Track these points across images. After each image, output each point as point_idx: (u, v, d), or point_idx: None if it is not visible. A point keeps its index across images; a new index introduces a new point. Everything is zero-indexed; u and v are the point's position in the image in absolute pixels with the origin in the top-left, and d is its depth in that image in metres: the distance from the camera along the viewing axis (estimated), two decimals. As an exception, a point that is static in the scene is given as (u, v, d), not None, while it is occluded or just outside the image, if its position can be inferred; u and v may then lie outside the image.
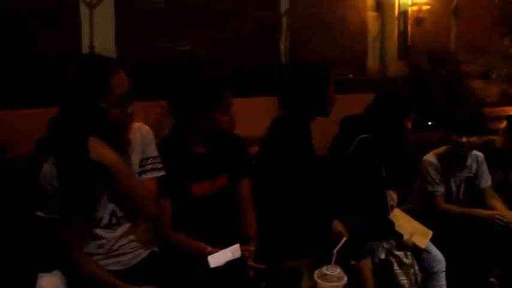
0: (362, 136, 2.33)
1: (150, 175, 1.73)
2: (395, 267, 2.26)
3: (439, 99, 4.74)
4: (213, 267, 1.64)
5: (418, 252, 2.34)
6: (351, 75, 4.29)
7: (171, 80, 2.06)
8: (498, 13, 6.21)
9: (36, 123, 1.58)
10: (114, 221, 1.66)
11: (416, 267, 2.31)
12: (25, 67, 2.50)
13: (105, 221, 1.64)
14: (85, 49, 2.74)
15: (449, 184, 2.96)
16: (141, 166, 1.72)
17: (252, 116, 2.75)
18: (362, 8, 4.46)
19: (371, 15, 4.58)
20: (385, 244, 2.26)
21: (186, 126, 1.90)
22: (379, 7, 4.64)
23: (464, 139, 2.78)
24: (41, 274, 1.61)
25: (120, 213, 1.67)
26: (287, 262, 1.73)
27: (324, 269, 1.49)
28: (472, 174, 2.98)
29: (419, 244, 2.33)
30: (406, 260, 2.28)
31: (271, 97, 2.49)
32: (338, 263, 1.52)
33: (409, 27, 4.81)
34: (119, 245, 1.68)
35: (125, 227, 1.69)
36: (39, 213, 1.55)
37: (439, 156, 2.95)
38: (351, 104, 2.63)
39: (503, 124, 3.50)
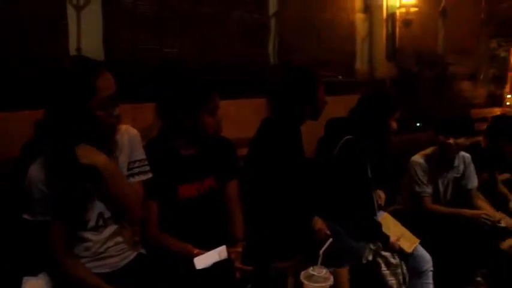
0: (346, 137, 2.34)
1: (138, 178, 1.73)
2: (383, 267, 2.27)
3: (427, 101, 4.78)
4: (199, 269, 1.64)
5: (404, 255, 2.35)
6: (339, 77, 4.30)
7: (159, 82, 2.06)
8: (485, 15, 6.27)
9: (25, 125, 1.57)
10: (101, 223, 1.65)
11: (404, 267, 2.32)
12: (12, 69, 2.49)
13: (92, 223, 1.63)
14: (72, 51, 2.72)
15: (436, 185, 2.98)
16: (129, 169, 1.72)
17: (240, 117, 2.76)
18: (350, 10, 4.48)
19: (359, 17, 4.60)
20: (372, 245, 2.27)
21: (173, 128, 1.90)
22: (368, 9, 4.66)
23: (451, 140, 2.80)
24: (26, 278, 1.60)
25: (107, 215, 1.66)
26: (274, 264, 1.73)
27: (310, 270, 1.50)
28: (459, 175, 3.00)
29: (406, 248, 2.35)
30: (393, 260, 2.29)
31: (259, 99, 2.50)
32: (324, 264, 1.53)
33: (397, 29, 4.84)
34: (105, 247, 1.68)
35: (112, 228, 1.68)
36: (25, 216, 1.54)
37: (427, 157, 2.97)
38: (339, 106, 2.64)
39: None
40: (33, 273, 1.61)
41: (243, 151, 2.40)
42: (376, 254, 2.27)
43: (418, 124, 4.61)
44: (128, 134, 1.73)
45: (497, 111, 5.75)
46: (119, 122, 1.60)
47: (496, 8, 6.37)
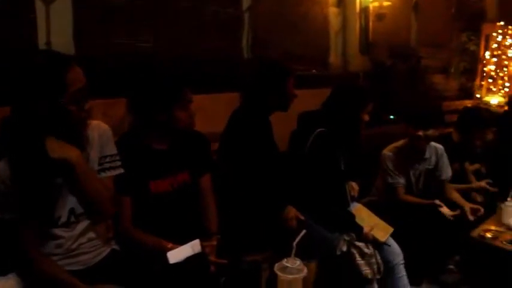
0: (319, 130, 2.36)
1: (109, 173, 1.72)
2: (358, 258, 2.29)
3: (400, 94, 4.84)
4: (173, 263, 1.63)
5: (377, 245, 2.38)
6: (313, 71, 4.32)
7: (132, 77, 2.04)
8: (456, 10, 6.38)
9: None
10: (73, 219, 1.63)
11: (378, 257, 2.35)
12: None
13: (64, 219, 1.61)
14: (42, 46, 2.67)
15: (408, 176, 3.04)
16: (100, 164, 1.71)
17: (214, 112, 2.74)
18: (324, 3, 4.50)
19: (333, 11, 4.62)
20: (345, 236, 2.29)
21: (146, 123, 1.89)
22: (341, 3, 4.68)
23: (420, 133, 2.85)
24: (-5, 278, 1.58)
25: (79, 211, 1.64)
26: (247, 256, 1.74)
27: (284, 262, 1.51)
28: (431, 167, 3.06)
29: (379, 238, 2.38)
30: (367, 250, 2.31)
31: (234, 93, 2.50)
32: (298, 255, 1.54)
33: (371, 23, 4.87)
34: (78, 244, 1.66)
35: (84, 224, 1.66)
36: (-7, 215, 1.51)
37: (398, 150, 3.02)
38: (313, 99, 2.65)
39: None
40: (2, 273, 1.58)
41: (217, 145, 2.40)
42: (350, 244, 2.29)
43: (391, 117, 4.66)
44: (99, 129, 1.71)
45: (468, 103, 5.86)
46: (89, 116, 1.59)
47: (465, 2, 6.49)
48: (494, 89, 6.53)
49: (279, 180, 2.32)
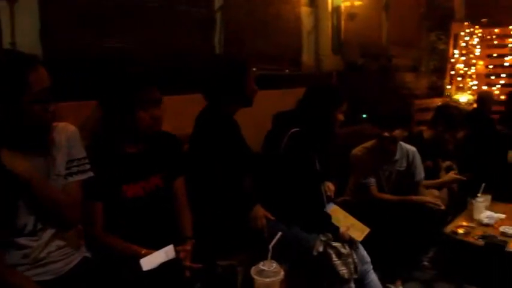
0: (293, 130, 2.34)
1: (76, 178, 1.67)
2: (334, 258, 2.29)
3: (372, 93, 4.89)
4: (147, 270, 1.59)
5: (353, 247, 2.39)
6: (286, 71, 4.32)
7: (99, 78, 1.99)
8: (425, 9, 6.50)
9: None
10: (39, 226, 1.57)
11: (355, 256, 2.35)
12: None
13: (30, 227, 1.55)
14: (6, 46, 2.57)
15: (378, 177, 3.04)
16: (67, 168, 1.65)
17: (187, 113, 2.70)
18: (296, 3, 4.50)
19: (305, 10, 4.62)
20: (322, 237, 2.28)
21: (114, 125, 1.84)
22: (313, 2, 4.69)
23: (386, 133, 2.85)
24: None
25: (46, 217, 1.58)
26: (223, 260, 1.71)
27: (261, 265, 1.49)
28: (402, 168, 3.07)
29: (356, 237, 2.39)
30: (343, 250, 2.31)
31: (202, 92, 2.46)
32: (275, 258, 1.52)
33: (343, 23, 4.91)
34: (46, 252, 1.59)
35: (52, 231, 1.60)
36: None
37: (367, 150, 3.03)
38: (286, 99, 2.64)
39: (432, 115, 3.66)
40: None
41: (187, 147, 2.37)
42: (327, 245, 2.28)
43: (364, 116, 4.70)
44: (66, 131, 1.66)
45: (438, 101, 5.98)
46: (54, 118, 1.55)
47: (434, 2, 6.62)
48: (463, 87, 6.67)
49: (250, 180, 2.31)
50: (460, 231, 3.00)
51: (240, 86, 2.32)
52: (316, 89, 2.51)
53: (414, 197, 2.98)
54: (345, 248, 2.31)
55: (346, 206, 2.69)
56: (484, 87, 6.81)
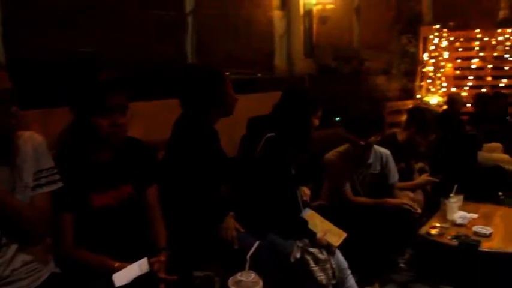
0: (268, 135, 2.32)
1: (46, 189, 1.59)
2: (312, 264, 2.26)
3: (345, 95, 4.91)
4: (120, 286, 1.52)
5: (332, 252, 2.37)
6: (258, 74, 4.30)
7: (67, 83, 1.91)
8: (395, 13, 6.59)
9: None
10: (4, 241, 1.49)
11: (333, 262, 2.34)
12: None
13: None
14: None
15: (353, 181, 3.03)
16: (35, 179, 1.57)
17: (159, 119, 2.65)
18: (268, 7, 4.50)
19: (277, 14, 4.63)
20: (299, 243, 2.26)
21: (79, 133, 1.76)
22: (285, 6, 4.70)
23: (362, 142, 2.84)
24: None
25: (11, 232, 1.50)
26: (199, 271, 1.66)
27: (239, 276, 1.45)
28: (376, 171, 3.06)
29: (333, 242, 2.37)
30: (321, 256, 2.29)
31: (177, 100, 2.41)
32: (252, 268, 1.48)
33: (314, 26, 4.93)
34: (11, 269, 1.51)
35: (16, 245, 1.52)
36: None
37: (340, 154, 3.01)
38: (259, 103, 2.62)
39: (404, 117, 3.69)
40: None
41: (162, 154, 2.31)
42: (304, 251, 2.26)
43: (337, 119, 4.72)
44: (33, 141, 1.58)
45: (409, 103, 6.06)
46: (19, 124, 1.48)
47: (404, 5, 6.72)
48: (433, 89, 6.80)
49: (226, 188, 2.27)
50: (434, 232, 3.02)
51: (221, 97, 2.31)
52: (292, 94, 2.50)
53: (389, 200, 2.97)
54: (322, 253, 2.29)
55: (321, 211, 2.67)
56: (453, 89, 6.95)
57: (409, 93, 6.77)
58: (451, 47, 7.02)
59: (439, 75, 6.86)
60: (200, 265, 1.78)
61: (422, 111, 3.58)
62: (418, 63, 6.80)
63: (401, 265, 3.22)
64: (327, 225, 2.48)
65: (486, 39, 6.85)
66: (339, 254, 2.43)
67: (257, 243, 1.54)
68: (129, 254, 1.70)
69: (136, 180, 1.88)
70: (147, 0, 3.41)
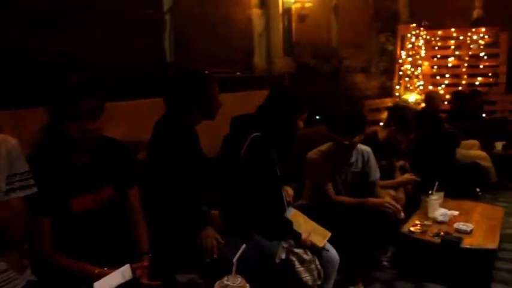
0: (254, 135, 2.29)
1: (20, 193, 1.51)
2: (297, 265, 2.23)
3: (324, 94, 4.90)
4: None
5: (316, 252, 2.34)
6: (238, 73, 4.26)
7: (40, 84, 1.84)
8: (373, 11, 6.63)
9: None
10: None
11: (318, 262, 2.30)
12: None
13: None
14: None
15: (335, 180, 3.00)
16: (8, 184, 1.49)
17: (138, 119, 2.58)
18: (247, 5, 4.46)
19: (256, 12, 4.59)
20: (284, 244, 2.22)
21: (55, 135, 1.69)
22: (264, 4, 4.68)
23: (347, 142, 2.83)
24: None
25: None
26: (182, 273, 1.61)
27: (225, 280, 1.41)
28: (358, 169, 3.05)
29: (318, 243, 2.34)
30: (306, 257, 2.26)
31: (157, 99, 2.36)
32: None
33: (293, 24, 4.91)
34: (-16, 279, 1.44)
35: None
36: None
37: (322, 153, 2.98)
38: (239, 102, 2.58)
39: (383, 115, 3.69)
40: None
41: (142, 155, 2.25)
42: (289, 251, 2.23)
43: (317, 117, 4.70)
44: (6, 144, 1.50)
45: (388, 101, 6.11)
46: None
47: (381, 4, 6.77)
48: (411, 87, 6.86)
49: (210, 192, 2.23)
50: (416, 230, 3.04)
51: (206, 100, 2.30)
52: (279, 93, 2.47)
53: (372, 200, 2.95)
54: (307, 254, 2.26)
55: (304, 210, 2.64)
56: (430, 87, 7.03)
57: (388, 91, 6.81)
58: (427, 46, 7.11)
59: (416, 73, 6.93)
60: (184, 268, 1.72)
61: (401, 110, 3.59)
62: (396, 61, 6.85)
63: (384, 263, 3.23)
64: (311, 225, 2.45)
65: (461, 38, 6.96)
66: (331, 248, 2.41)
67: (243, 246, 1.49)
68: (110, 258, 1.65)
69: (117, 182, 1.82)
70: (124, -1, 3.32)
